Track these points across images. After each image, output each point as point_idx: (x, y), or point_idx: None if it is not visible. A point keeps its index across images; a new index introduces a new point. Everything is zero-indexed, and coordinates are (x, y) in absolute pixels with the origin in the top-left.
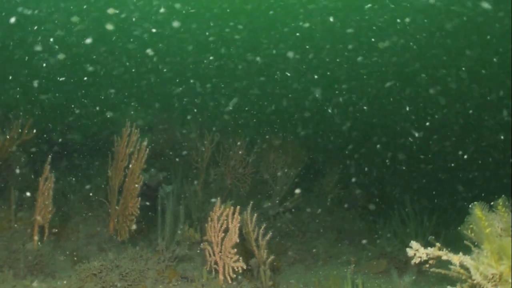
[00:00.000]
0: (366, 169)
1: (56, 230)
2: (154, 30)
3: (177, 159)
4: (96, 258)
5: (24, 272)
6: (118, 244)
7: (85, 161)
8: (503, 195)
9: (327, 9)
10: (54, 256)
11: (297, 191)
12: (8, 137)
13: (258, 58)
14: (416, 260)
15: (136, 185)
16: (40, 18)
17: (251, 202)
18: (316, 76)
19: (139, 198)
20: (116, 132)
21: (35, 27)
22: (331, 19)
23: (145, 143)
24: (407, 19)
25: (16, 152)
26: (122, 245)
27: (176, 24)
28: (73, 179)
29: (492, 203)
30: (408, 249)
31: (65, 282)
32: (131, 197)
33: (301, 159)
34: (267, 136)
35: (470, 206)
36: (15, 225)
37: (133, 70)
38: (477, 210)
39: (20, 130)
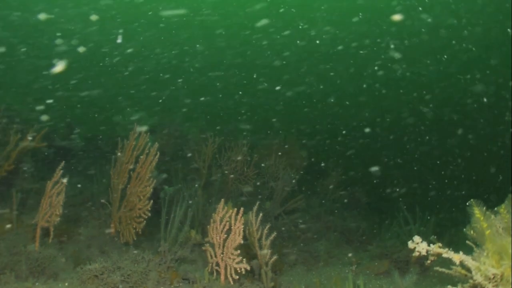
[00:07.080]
0: (368, 169)
1: (63, 234)
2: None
3: (179, 161)
4: (98, 260)
5: (26, 274)
6: (119, 246)
7: (87, 164)
8: (509, 195)
9: (331, 15)
10: (55, 258)
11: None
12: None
13: (261, 59)
14: (415, 254)
15: (148, 188)
16: (47, 21)
17: (258, 202)
18: (318, 77)
19: (151, 200)
20: (119, 134)
21: (42, 31)
22: (331, 28)
23: (156, 146)
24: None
25: (18, 155)
26: (124, 247)
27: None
28: (75, 181)
29: (495, 206)
30: (409, 242)
31: (66, 284)
32: (139, 199)
33: (303, 160)
34: (269, 138)
35: (467, 203)
36: (17, 228)
37: (135, 71)
38: (476, 210)
39: (31, 138)
